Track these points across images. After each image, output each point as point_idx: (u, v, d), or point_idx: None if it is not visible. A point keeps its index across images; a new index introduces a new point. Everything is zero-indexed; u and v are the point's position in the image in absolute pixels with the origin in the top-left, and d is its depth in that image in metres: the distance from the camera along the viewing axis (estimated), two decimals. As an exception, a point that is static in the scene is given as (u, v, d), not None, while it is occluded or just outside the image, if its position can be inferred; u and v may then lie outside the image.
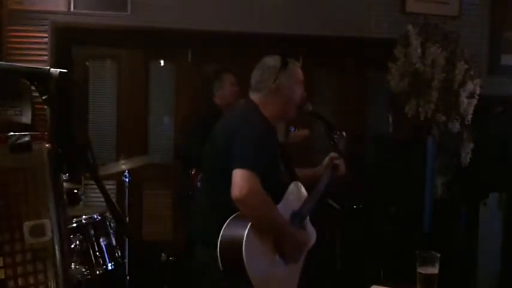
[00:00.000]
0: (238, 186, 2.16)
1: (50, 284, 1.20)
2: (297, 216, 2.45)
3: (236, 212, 2.24)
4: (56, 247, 1.21)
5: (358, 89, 5.01)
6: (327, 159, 2.72)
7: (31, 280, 1.18)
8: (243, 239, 2.17)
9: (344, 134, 2.79)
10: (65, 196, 1.33)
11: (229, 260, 2.21)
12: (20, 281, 1.16)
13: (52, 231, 1.21)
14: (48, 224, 1.21)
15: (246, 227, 2.19)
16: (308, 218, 2.56)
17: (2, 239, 1.15)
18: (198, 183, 3.70)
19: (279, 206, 2.36)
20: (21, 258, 1.17)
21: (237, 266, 2.16)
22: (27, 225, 1.18)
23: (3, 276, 1.14)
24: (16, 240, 1.17)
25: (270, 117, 2.45)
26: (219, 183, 2.26)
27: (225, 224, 2.24)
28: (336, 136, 2.73)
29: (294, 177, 2.54)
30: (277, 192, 2.38)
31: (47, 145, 1.23)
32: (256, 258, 2.22)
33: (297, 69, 2.51)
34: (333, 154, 2.72)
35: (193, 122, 4.04)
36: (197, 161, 3.53)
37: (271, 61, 2.47)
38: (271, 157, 2.37)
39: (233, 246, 2.19)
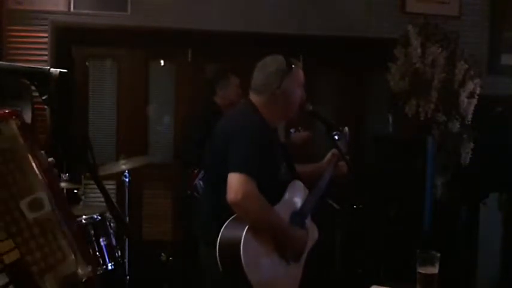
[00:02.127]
0: (233, 190, 2.17)
1: (65, 249, 1.23)
2: (298, 215, 2.45)
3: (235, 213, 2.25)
4: (58, 215, 1.23)
5: (358, 89, 5.01)
6: (328, 155, 2.71)
7: (46, 250, 1.20)
8: (240, 240, 2.18)
9: (346, 129, 2.77)
10: (50, 163, 1.32)
11: (228, 261, 2.22)
12: (36, 255, 1.18)
13: (50, 201, 1.22)
14: (44, 195, 1.22)
15: (244, 228, 2.20)
16: (309, 216, 2.55)
17: (4, 222, 1.16)
18: (198, 183, 3.70)
19: (278, 205, 2.36)
20: (29, 234, 1.18)
21: (236, 266, 2.17)
22: (24, 203, 1.19)
23: (19, 256, 1.16)
24: (19, 220, 1.18)
25: (269, 118, 2.44)
26: (218, 185, 2.27)
27: (224, 225, 2.25)
28: (337, 133, 2.71)
29: (295, 176, 2.54)
30: (277, 192, 2.39)
31: (13, 120, 1.22)
32: (255, 258, 2.22)
33: (299, 72, 2.48)
34: (334, 150, 2.70)
35: (192, 122, 4.04)
36: (196, 161, 3.55)
37: (274, 64, 2.43)
38: (270, 158, 2.37)
39: (231, 247, 2.20)
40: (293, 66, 2.44)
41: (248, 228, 2.20)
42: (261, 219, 2.26)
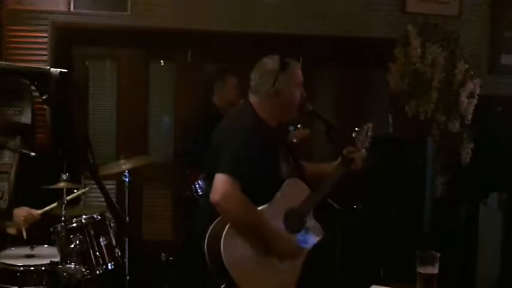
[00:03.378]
0: (216, 191, 2.22)
1: None
2: (295, 213, 2.44)
3: None
4: None
5: (358, 89, 5.01)
6: (340, 157, 2.69)
7: None
8: (221, 238, 2.21)
9: (370, 125, 2.74)
10: None
11: (212, 256, 2.26)
12: None
13: None
14: None
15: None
16: (311, 215, 2.53)
17: None
18: (197, 183, 3.70)
19: (269, 203, 2.35)
20: None
21: (219, 261, 2.21)
22: None
23: None
24: None
25: (268, 119, 2.44)
26: None
27: (213, 223, 2.29)
28: (356, 130, 2.70)
29: (298, 175, 2.53)
30: (276, 190, 2.39)
31: None
32: (235, 253, 2.24)
33: (296, 71, 2.47)
34: (349, 148, 2.67)
35: (192, 122, 4.03)
36: (197, 161, 3.55)
37: (270, 64, 2.43)
38: (266, 158, 2.37)
39: (215, 242, 2.24)
40: (289, 65, 2.43)
41: (229, 226, 2.24)
42: (239, 220, 2.27)
